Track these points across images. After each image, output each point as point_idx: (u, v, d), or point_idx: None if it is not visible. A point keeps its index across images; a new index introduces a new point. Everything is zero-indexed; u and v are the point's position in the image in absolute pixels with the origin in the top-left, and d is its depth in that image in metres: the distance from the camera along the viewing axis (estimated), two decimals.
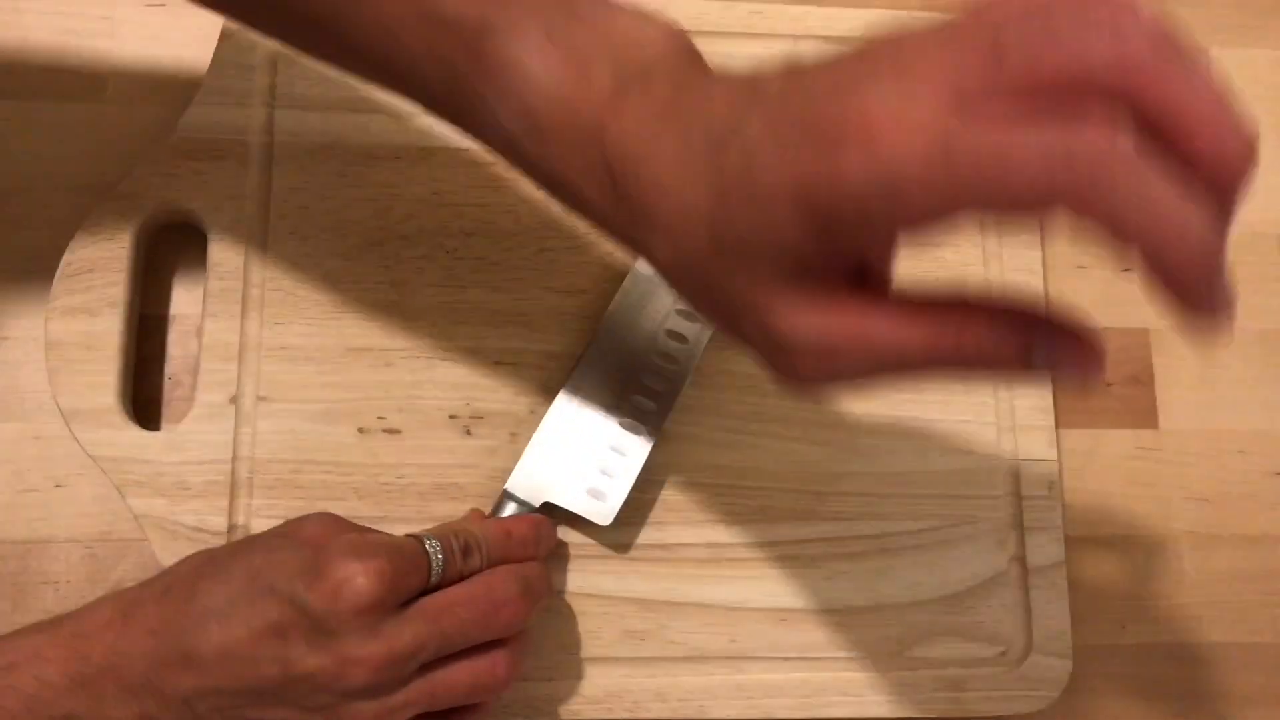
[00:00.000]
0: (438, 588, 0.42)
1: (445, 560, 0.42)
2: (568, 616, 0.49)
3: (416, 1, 0.34)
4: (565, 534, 0.50)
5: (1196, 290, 0.27)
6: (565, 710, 0.48)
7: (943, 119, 0.26)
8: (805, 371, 0.31)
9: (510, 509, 0.47)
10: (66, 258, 0.49)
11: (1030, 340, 0.29)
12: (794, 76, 0.30)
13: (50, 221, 0.52)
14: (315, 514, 0.43)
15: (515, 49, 0.33)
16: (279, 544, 0.41)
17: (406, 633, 0.40)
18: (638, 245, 0.34)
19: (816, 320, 0.30)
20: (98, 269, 0.49)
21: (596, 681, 0.48)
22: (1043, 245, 0.56)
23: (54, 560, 0.49)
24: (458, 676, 0.41)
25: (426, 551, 0.42)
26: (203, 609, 0.39)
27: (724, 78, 0.32)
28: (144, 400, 0.50)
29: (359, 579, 0.39)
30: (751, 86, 0.31)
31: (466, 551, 0.43)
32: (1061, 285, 0.57)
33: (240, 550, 0.41)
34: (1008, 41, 0.26)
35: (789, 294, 0.30)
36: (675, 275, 0.33)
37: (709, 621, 0.50)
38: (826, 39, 0.56)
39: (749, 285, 0.31)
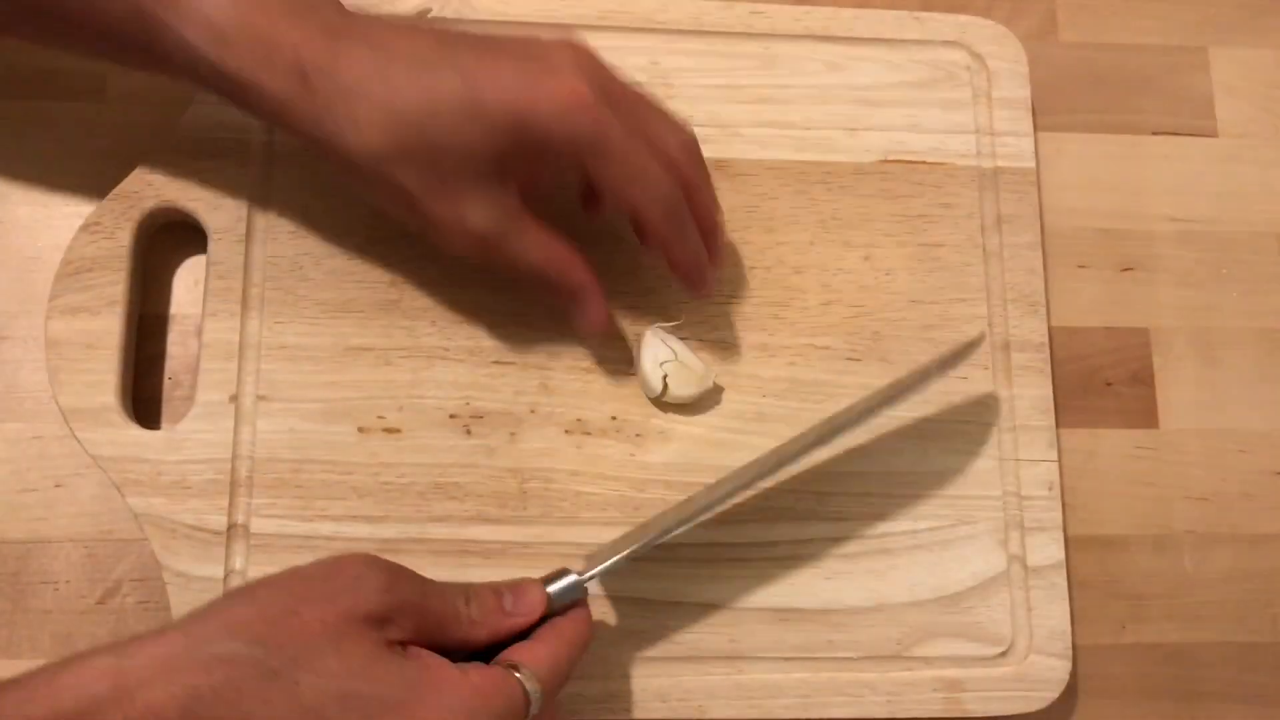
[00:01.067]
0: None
1: (544, 706, 0.40)
2: None
3: None
4: (565, 533, 0.50)
5: (692, 278, 0.48)
6: (566, 710, 0.48)
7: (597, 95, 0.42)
8: (462, 244, 0.45)
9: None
10: (66, 257, 0.49)
11: (578, 293, 0.47)
12: (480, 36, 0.43)
13: (50, 221, 0.52)
14: (379, 591, 0.38)
15: None
16: (355, 672, 0.36)
17: None
18: (321, 135, 0.42)
19: (484, 207, 0.43)
20: (97, 268, 0.49)
21: (597, 682, 0.48)
22: (1043, 245, 0.56)
23: (54, 560, 0.49)
24: None
25: (528, 701, 0.39)
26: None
27: (379, 17, 0.44)
28: (144, 400, 0.51)
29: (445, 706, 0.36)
30: (442, 31, 0.43)
31: (562, 679, 0.41)
32: (1061, 285, 0.57)
33: (302, 673, 0.36)
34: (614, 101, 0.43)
35: (470, 189, 0.43)
36: (364, 156, 0.42)
37: (709, 621, 0.50)
38: (826, 39, 0.56)
39: (428, 175, 0.42)
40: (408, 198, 0.43)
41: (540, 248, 0.46)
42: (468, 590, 0.41)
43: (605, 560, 0.44)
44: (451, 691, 0.37)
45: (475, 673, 0.39)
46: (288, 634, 0.36)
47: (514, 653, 0.41)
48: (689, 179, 0.46)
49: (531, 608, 0.42)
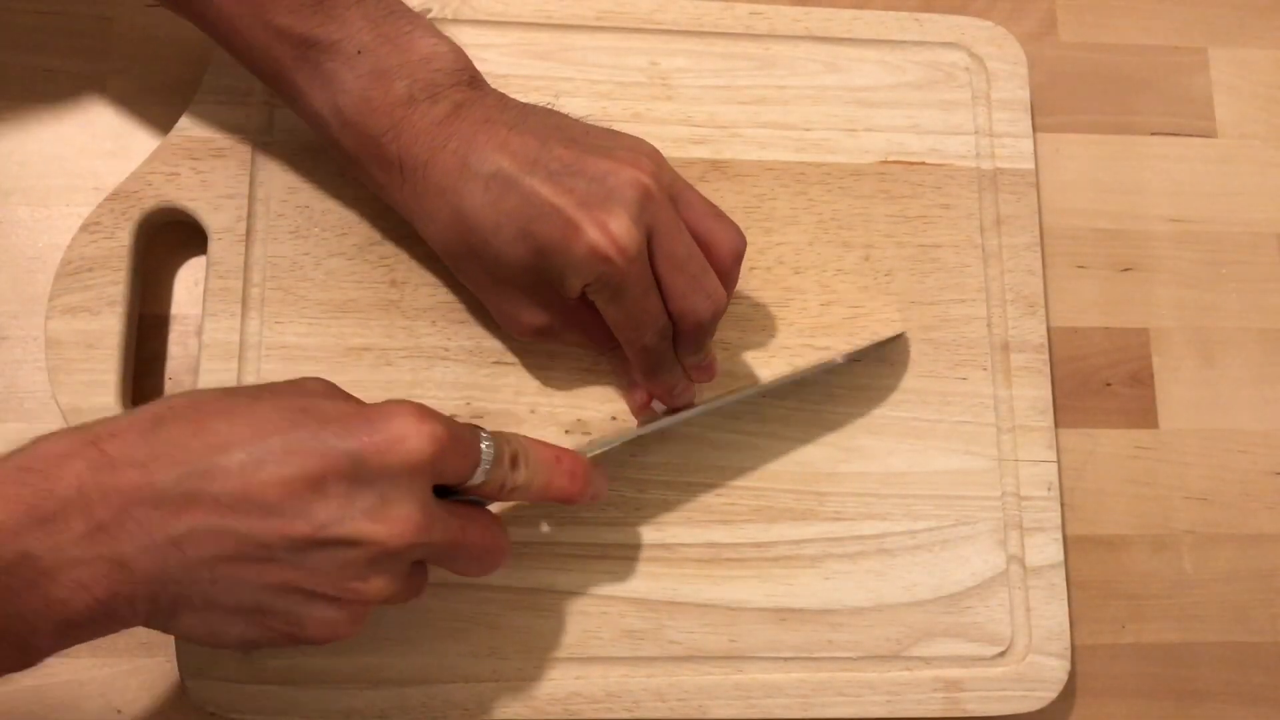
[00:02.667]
0: (478, 488, 0.41)
1: (494, 461, 0.41)
2: (568, 616, 0.49)
3: (254, 6, 0.44)
4: (566, 533, 0.50)
5: (664, 400, 0.50)
6: (565, 710, 0.48)
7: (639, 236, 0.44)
8: (522, 331, 0.49)
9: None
10: (66, 256, 0.49)
11: (648, 402, 0.51)
12: (570, 140, 0.45)
13: (50, 221, 0.52)
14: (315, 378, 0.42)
15: (331, 63, 0.45)
16: (314, 390, 0.40)
17: (437, 524, 0.39)
18: (411, 220, 0.47)
19: (538, 315, 0.48)
20: (97, 268, 0.49)
21: (596, 681, 0.48)
22: (1042, 246, 0.56)
23: None
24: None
25: (480, 444, 0.40)
26: (219, 444, 0.36)
27: (500, 111, 0.46)
28: (144, 400, 0.50)
29: (414, 439, 0.38)
30: (528, 134, 0.45)
31: (514, 462, 0.42)
32: (1061, 285, 0.57)
33: (264, 393, 0.39)
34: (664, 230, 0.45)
35: (521, 294, 0.47)
36: (439, 248, 0.47)
37: (709, 621, 0.50)
38: (825, 40, 0.56)
39: (489, 276, 0.47)
40: (476, 287, 0.49)
41: (591, 340, 0.50)
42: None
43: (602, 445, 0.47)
44: (404, 418, 0.38)
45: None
46: (247, 389, 0.40)
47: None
48: (726, 289, 0.48)
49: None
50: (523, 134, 0.45)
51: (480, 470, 0.40)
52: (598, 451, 0.46)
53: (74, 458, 0.35)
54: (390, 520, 0.37)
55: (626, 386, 0.51)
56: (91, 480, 0.35)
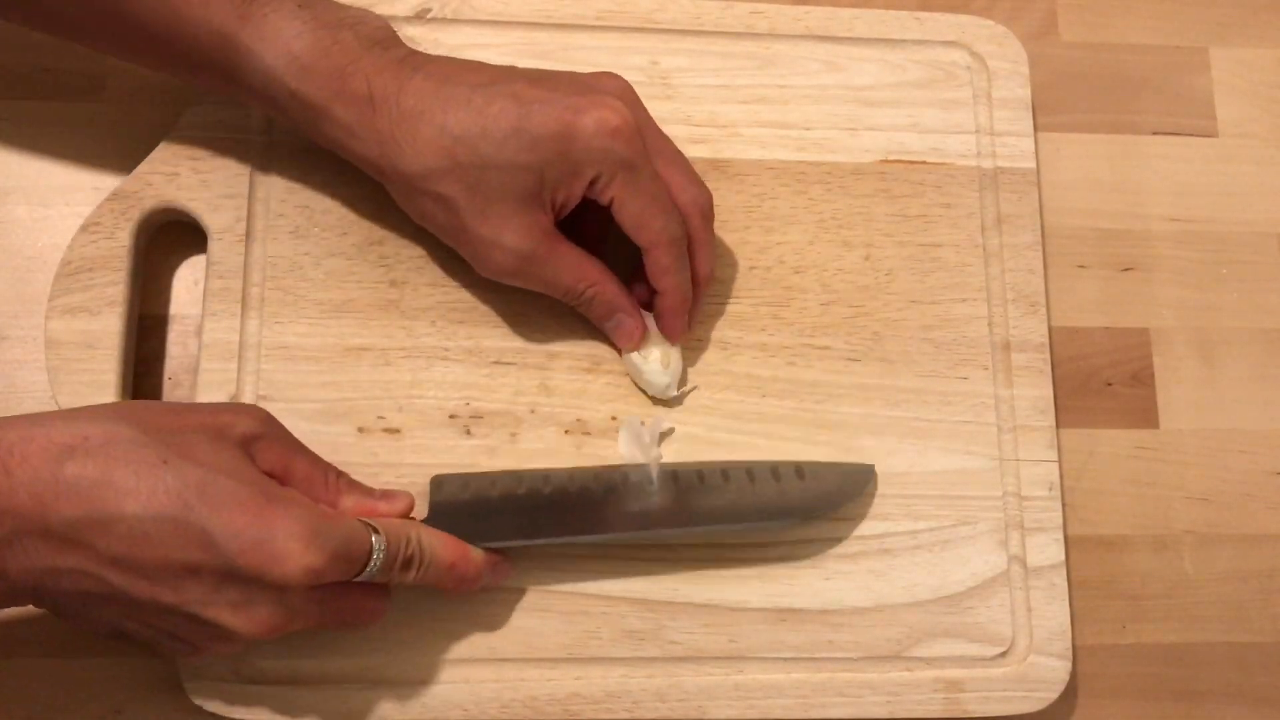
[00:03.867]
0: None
1: (382, 567, 0.42)
2: (568, 616, 0.49)
3: None
4: None
5: (673, 315, 0.50)
6: (565, 710, 0.48)
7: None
8: (500, 262, 0.47)
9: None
10: (66, 257, 0.49)
11: (616, 313, 0.50)
12: (534, 70, 0.47)
13: (50, 221, 0.52)
14: (257, 422, 0.42)
15: (276, 16, 0.45)
16: (221, 466, 0.39)
17: (298, 617, 0.41)
18: (382, 157, 0.46)
19: (523, 228, 0.46)
20: (97, 268, 0.49)
21: (596, 682, 0.48)
22: (1043, 245, 0.56)
23: None
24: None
25: (370, 551, 0.41)
26: (116, 501, 0.37)
27: (437, 56, 0.47)
28: (144, 399, 0.50)
29: (291, 564, 0.38)
30: (495, 66, 0.47)
31: (406, 565, 0.43)
32: (1061, 285, 0.57)
33: (174, 447, 0.39)
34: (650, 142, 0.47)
35: (509, 210, 0.46)
36: (416, 174, 0.45)
37: (709, 622, 0.50)
38: (826, 39, 0.56)
39: (474, 194, 0.45)
40: (454, 215, 0.46)
41: (573, 268, 0.48)
42: (341, 473, 0.45)
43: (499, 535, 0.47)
44: (303, 507, 0.40)
45: (329, 508, 0.43)
46: (166, 426, 0.40)
47: (382, 520, 0.43)
48: (694, 232, 0.49)
49: (398, 497, 0.46)
50: (486, 65, 0.47)
51: (366, 575, 0.42)
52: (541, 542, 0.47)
53: None
54: (250, 618, 0.40)
55: (614, 323, 0.50)
56: None
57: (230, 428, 0.41)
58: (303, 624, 0.42)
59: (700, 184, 0.49)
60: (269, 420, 0.43)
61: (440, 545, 0.44)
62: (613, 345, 0.51)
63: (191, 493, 0.38)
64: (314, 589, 0.40)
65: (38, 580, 0.38)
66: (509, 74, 0.47)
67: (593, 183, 0.46)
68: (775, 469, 0.50)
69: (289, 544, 0.38)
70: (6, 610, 0.48)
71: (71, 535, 0.37)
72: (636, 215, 0.47)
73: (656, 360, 0.50)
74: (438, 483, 0.48)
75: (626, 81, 0.48)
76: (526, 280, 0.48)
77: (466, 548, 0.45)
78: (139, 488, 0.38)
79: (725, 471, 0.49)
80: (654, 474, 0.49)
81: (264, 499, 0.39)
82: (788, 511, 0.49)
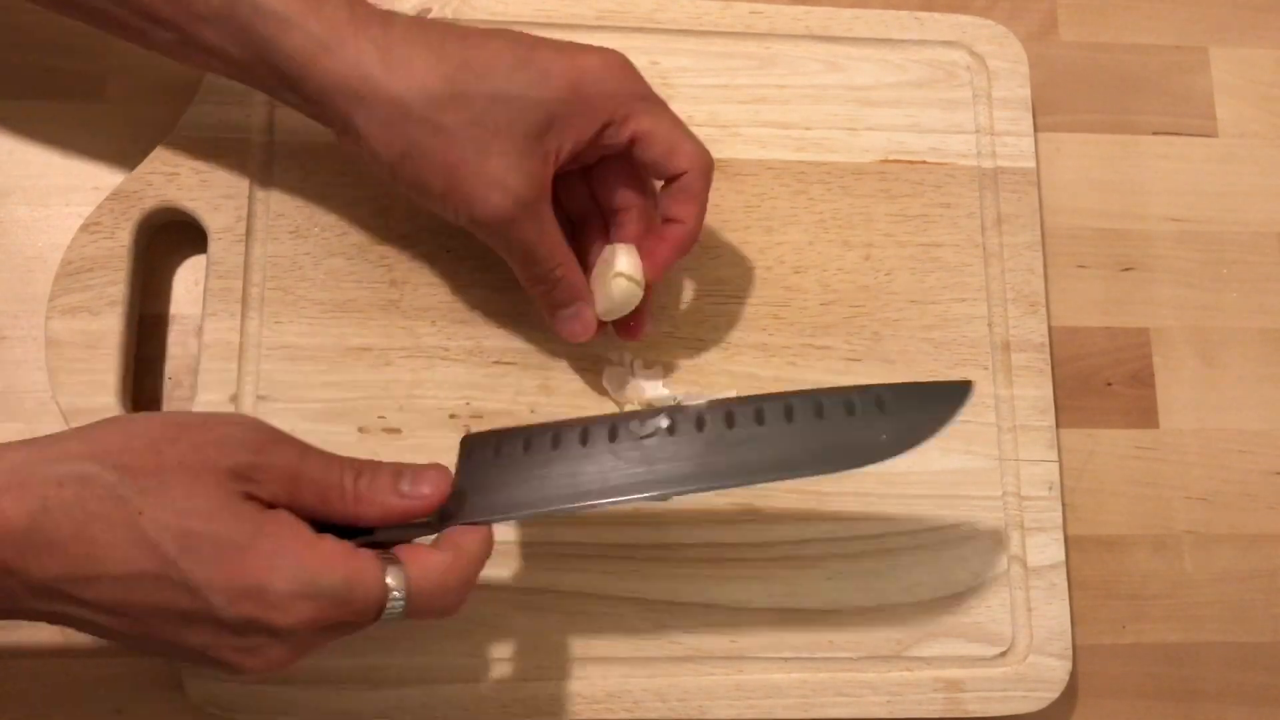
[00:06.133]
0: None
1: (409, 611, 0.38)
2: (568, 616, 0.49)
3: None
4: (566, 533, 0.50)
5: (684, 247, 0.48)
6: (565, 710, 0.48)
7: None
8: (497, 205, 0.43)
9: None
10: (66, 256, 0.49)
11: (577, 302, 0.47)
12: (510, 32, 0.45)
13: (50, 221, 0.52)
14: (249, 447, 0.38)
15: None
16: (201, 511, 0.36)
17: (314, 648, 0.39)
18: (364, 80, 0.42)
19: (525, 172, 0.43)
20: (97, 268, 0.49)
21: (596, 682, 0.48)
22: (1043, 245, 0.56)
23: None
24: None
25: (386, 600, 0.38)
26: (96, 559, 0.35)
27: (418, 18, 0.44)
28: (144, 400, 0.50)
29: (289, 616, 0.36)
30: (478, 29, 0.45)
31: (422, 615, 0.39)
32: (1061, 285, 0.57)
33: (149, 504, 0.36)
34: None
35: (512, 149, 0.43)
36: (409, 109, 0.42)
37: (709, 621, 0.50)
38: (826, 39, 0.56)
39: (475, 126, 0.42)
40: (449, 149, 0.42)
41: (554, 239, 0.46)
42: (360, 465, 0.40)
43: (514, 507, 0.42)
44: (294, 552, 0.37)
45: (330, 544, 0.38)
46: (144, 466, 0.36)
47: (402, 550, 0.39)
48: (698, 189, 0.47)
49: (428, 494, 0.40)
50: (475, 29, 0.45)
51: (387, 616, 0.38)
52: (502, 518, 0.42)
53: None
54: (260, 659, 0.37)
55: (572, 311, 0.47)
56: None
57: (218, 460, 0.37)
58: (314, 653, 0.39)
59: (701, 143, 0.47)
60: (265, 441, 0.39)
61: (477, 535, 0.40)
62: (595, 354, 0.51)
63: (171, 545, 0.35)
64: (325, 628, 0.38)
65: (27, 611, 0.37)
66: (503, 32, 0.45)
67: (605, 128, 0.44)
68: (850, 402, 0.43)
69: (280, 595, 0.36)
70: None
71: (55, 590, 0.36)
72: (667, 141, 0.45)
73: (627, 272, 0.47)
74: (467, 447, 0.44)
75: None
76: (509, 236, 0.45)
77: (491, 538, 0.41)
78: (115, 542, 0.35)
79: (789, 407, 0.43)
80: (703, 413, 0.44)
81: (249, 547, 0.36)
82: (865, 452, 0.42)
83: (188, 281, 0.52)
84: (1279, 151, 0.60)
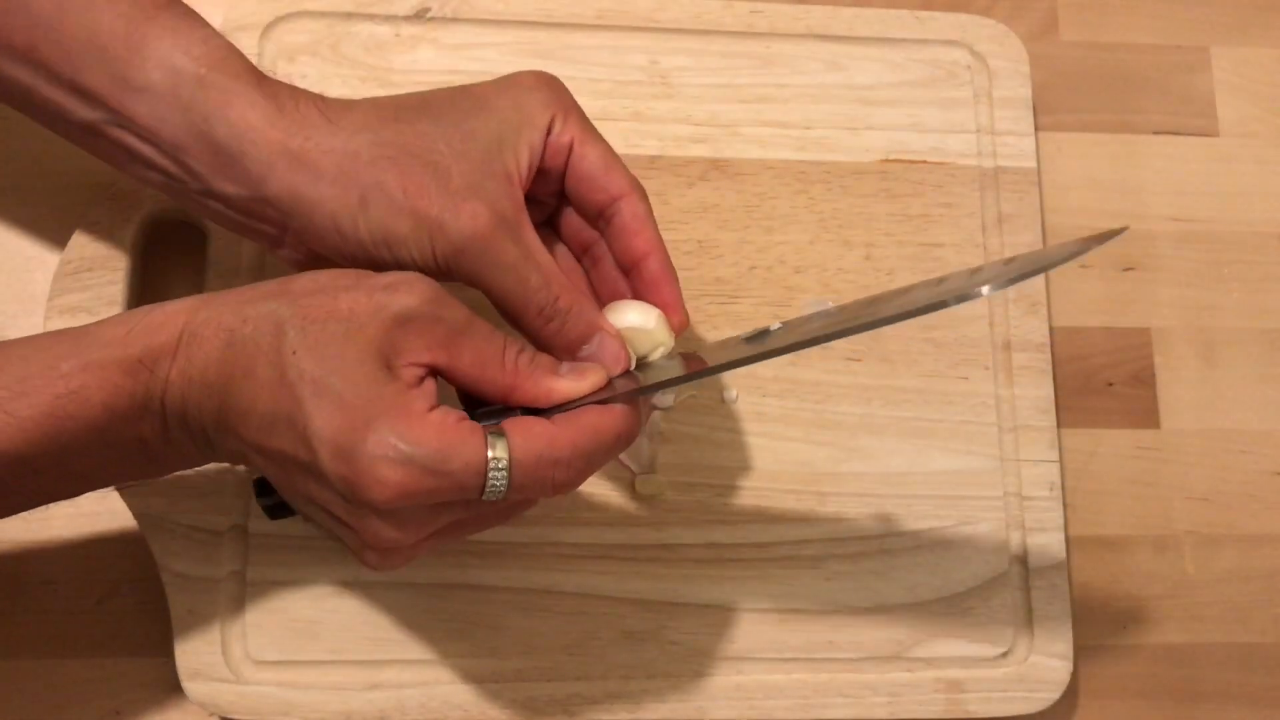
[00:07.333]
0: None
1: (512, 489, 0.37)
2: (568, 616, 0.49)
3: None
4: (566, 533, 0.50)
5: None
6: (565, 710, 0.48)
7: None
8: (473, 216, 0.41)
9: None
10: (65, 256, 0.49)
11: (598, 333, 0.42)
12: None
13: (50, 221, 0.52)
14: (418, 299, 0.38)
15: (184, 22, 0.42)
16: (341, 366, 0.37)
17: (423, 532, 0.39)
18: (311, 169, 0.41)
19: (492, 188, 0.41)
20: (97, 267, 0.49)
21: (596, 682, 0.48)
22: (1044, 245, 0.56)
23: (53, 561, 0.49)
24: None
25: (486, 477, 0.37)
26: (242, 406, 0.38)
27: (353, 106, 0.43)
28: None
29: (379, 486, 0.36)
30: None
31: (552, 482, 0.38)
32: (1062, 285, 0.57)
33: (304, 347, 0.37)
34: None
35: (478, 165, 0.42)
36: (347, 180, 0.41)
37: (709, 622, 0.50)
38: (826, 38, 0.56)
39: (425, 171, 0.41)
40: (408, 182, 0.41)
41: (541, 259, 0.42)
42: (526, 345, 0.40)
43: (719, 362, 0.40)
44: (398, 419, 0.36)
45: (438, 415, 0.37)
46: (318, 308, 0.38)
47: (516, 422, 0.38)
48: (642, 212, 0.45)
49: (590, 377, 0.40)
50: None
51: (488, 495, 0.37)
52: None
53: (167, 358, 0.38)
54: (370, 537, 0.38)
55: (595, 345, 0.42)
56: (185, 395, 0.39)
57: (381, 309, 0.38)
58: (436, 541, 0.39)
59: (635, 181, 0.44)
60: (433, 298, 0.38)
61: (609, 415, 0.39)
62: None
63: (306, 390, 0.37)
64: (430, 507, 0.38)
65: (228, 456, 0.41)
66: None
67: (549, 130, 0.43)
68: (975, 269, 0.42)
69: (371, 458, 0.36)
70: (6, 610, 0.48)
71: (227, 423, 0.38)
72: (602, 159, 0.43)
73: (661, 353, 0.43)
74: None
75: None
76: (493, 261, 0.41)
77: (621, 415, 0.39)
78: (267, 381, 0.37)
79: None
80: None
81: (362, 408, 0.36)
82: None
83: (188, 281, 0.52)
84: (1279, 151, 0.60)
